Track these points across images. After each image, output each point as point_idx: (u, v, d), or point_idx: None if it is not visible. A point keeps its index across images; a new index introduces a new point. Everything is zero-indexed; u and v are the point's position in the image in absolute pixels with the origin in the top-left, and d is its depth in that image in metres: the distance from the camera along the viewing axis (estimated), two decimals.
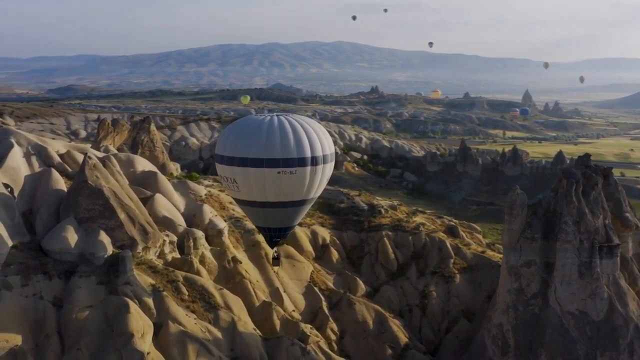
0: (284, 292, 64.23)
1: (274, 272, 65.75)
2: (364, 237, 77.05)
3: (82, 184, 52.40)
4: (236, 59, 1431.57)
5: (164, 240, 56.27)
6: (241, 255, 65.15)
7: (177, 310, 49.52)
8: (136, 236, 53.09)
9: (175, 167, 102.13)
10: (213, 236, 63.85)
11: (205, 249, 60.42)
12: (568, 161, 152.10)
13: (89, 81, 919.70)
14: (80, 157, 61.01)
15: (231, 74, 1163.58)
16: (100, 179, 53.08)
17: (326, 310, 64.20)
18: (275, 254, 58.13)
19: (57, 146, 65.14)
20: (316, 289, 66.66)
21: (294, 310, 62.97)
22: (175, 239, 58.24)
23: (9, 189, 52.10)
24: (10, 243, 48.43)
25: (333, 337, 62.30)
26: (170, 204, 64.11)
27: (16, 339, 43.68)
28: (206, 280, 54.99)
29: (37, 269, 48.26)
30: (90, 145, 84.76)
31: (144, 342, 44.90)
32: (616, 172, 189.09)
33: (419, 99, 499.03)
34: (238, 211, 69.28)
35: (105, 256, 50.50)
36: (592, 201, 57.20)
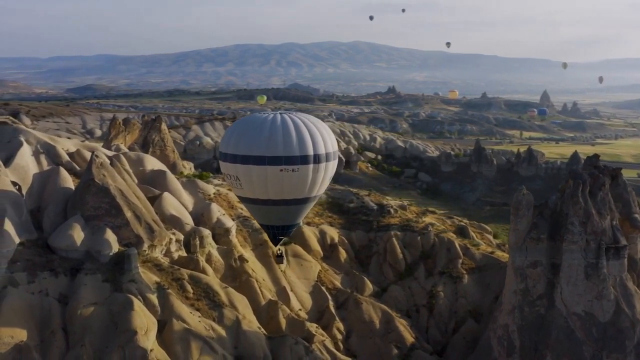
0: (291, 291, 64.43)
1: (281, 271, 65.99)
2: (372, 237, 77.06)
3: (89, 182, 52.93)
4: (254, 59, 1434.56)
5: (170, 239, 56.68)
6: (248, 254, 65.44)
7: (182, 308, 49.87)
8: (142, 234, 53.53)
9: (188, 167, 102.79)
10: (220, 235, 64.21)
11: (212, 247, 60.75)
12: (583, 162, 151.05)
13: (108, 81, 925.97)
14: (89, 156, 61.55)
15: (249, 74, 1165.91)
16: (107, 177, 53.57)
17: (333, 310, 64.33)
18: (278, 252, 58.32)
19: (67, 145, 65.83)
20: (323, 288, 66.80)
21: (300, 309, 63.16)
22: (181, 237, 58.64)
23: (17, 187, 52.70)
24: (17, 240, 49.04)
25: (339, 336, 62.43)
26: (178, 202, 64.53)
27: (21, 335, 44.25)
28: (211, 278, 55.30)
29: (44, 266, 48.89)
30: (102, 144, 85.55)
31: (148, 339, 45.29)
32: (632, 173, 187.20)
33: (436, 99, 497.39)
34: (246, 210, 69.52)
35: (111, 254, 51.00)
36: (599, 202, 56.82)
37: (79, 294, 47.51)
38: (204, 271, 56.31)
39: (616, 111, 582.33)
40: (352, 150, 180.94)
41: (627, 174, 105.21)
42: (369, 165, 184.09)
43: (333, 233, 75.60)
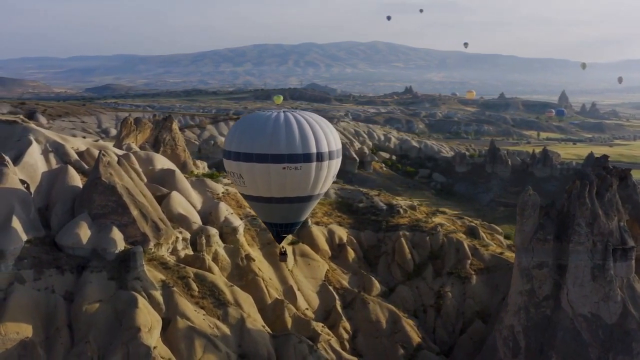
0: (298, 290, 64.60)
1: (289, 270, 66.19)
2: (381, 237, 77.05)
3: (96, 180, 53.45)
4: (272, 59, 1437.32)
5: (177, 237, 57.07)
6: (256, 253, 65.69)
7: (186, 306, 50.23)
8: (148, 232, 53.96)
9: (202, 166, 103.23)
10: (228, 234, 64.51)
11: (218, 246, 61.07)
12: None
13: (126, 80, 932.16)
14: (108, 155, 62.06)
15: (267, 74, 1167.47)
16: (114, 176, 54.05)
17: (340, 309, 64.41)
18: (282, 250, 58.53)
19: (77, 144, 66.45)
20: (330, 287, 66.89)
21: (307, 309, 63.31)
22: (188, 235, 59.01)
23: (26, 185, 53.36)
24: (25, 238, 49.64)
25: (346, 335, 62.47)
26: (186, 201, 64.92)
27: (27, 331, 44.84)
28: (217, 277, 55.62)
29: (50, 263, 49.47)
30: (113, 143, 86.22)
31: (151, 336, 45.69)
32: None
33: (453, 100, 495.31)
34: None
35: (117, 252, 51.43)
36: (607, 203, 56.47)
37: (85, 291, 48.03)
38: (210, 270, 56.63)
39: (636, 112, 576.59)
40: (366, 151, 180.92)
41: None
42: (383, 165, 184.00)
43: (342, 233, 75.68)
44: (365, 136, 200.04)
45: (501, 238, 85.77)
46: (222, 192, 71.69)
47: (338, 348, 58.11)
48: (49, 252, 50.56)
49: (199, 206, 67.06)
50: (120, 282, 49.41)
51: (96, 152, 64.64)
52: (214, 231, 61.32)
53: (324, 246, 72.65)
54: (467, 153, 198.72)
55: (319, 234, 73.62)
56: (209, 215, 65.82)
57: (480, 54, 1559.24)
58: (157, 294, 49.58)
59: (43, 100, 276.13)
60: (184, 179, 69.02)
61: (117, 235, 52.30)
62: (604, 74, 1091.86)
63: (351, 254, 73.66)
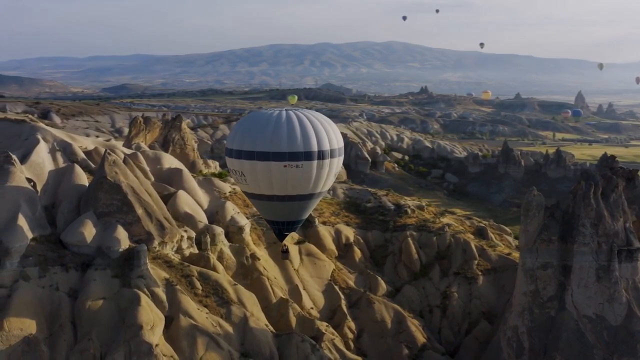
0: (303, 289, 64.77)
1: (294, 269, 66.40)
2: (388, 237, 77.06)
3: (102, 179, 53.91)
4: (288, 59, 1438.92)
5: (182, 236, 57.40)
6: (262, 252, 65.93)
7: (189, 304, 50.52)
8: (153, 231, 54.33)
9: (214, 165, 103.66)
10: (234, 233, 64.78)
11: (224, 245, 61.35)
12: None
13: (143, 80, 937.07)
14: (113, 154, 62.57)
15: (282, 74, 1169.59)
16: (119, 174, 54.48)
17: (345, 309, 64.51)
18: (284, 247, 58.78)
19: (85, 143, 67.02)
20: (336, 287, 66.99)
21: (312, 308, 63.46)
22: (193, 234, 59.31)
23: (32, 184, 53.89)
24: (30, 235, 50.16)
25: (350, 335, 62.56)
26: (192, 200, 65.26)
27: (31, 328, 45.31)
28: (221, 275, 55.89)
29: (55, 261, 49.95)
30: (123, 142, 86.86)
31: (153, 334, 45.99)
32: None
33: (468, 100, 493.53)
34: None
35: (121, 250, 51.82)
36: (612, 204, 56.13)
37: (88, 288, 48.46)
38: (214, 268, 56.90)
39: None
40: (379, 151, 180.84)
41: None
42: (396, 165, 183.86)
43: (348, 232, 75.77)
44: (378, 136, 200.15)
45: (510, 239, 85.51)
46: (229, 192, 71.97)
47: (342, 347, 58.18)
48: (54, 249, 51.06)
49: (205, 205, 67.38)
50: (124, 280, 49.78)
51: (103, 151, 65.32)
52: (219, 230, 61.62)
53: (331, 246, 72.78)
54: (480, 153, 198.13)
55: (326, 233, 73.76)
56: (215, 214, 66.15)
57: (497, 54, 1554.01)
58: (161, 292, 49.91)
59: (60, 100, 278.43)
60: (191, 178, 69.38)
61: (121, 233, 52.71)
62: (621, 74, 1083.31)
63: (358, 253, 73.71)
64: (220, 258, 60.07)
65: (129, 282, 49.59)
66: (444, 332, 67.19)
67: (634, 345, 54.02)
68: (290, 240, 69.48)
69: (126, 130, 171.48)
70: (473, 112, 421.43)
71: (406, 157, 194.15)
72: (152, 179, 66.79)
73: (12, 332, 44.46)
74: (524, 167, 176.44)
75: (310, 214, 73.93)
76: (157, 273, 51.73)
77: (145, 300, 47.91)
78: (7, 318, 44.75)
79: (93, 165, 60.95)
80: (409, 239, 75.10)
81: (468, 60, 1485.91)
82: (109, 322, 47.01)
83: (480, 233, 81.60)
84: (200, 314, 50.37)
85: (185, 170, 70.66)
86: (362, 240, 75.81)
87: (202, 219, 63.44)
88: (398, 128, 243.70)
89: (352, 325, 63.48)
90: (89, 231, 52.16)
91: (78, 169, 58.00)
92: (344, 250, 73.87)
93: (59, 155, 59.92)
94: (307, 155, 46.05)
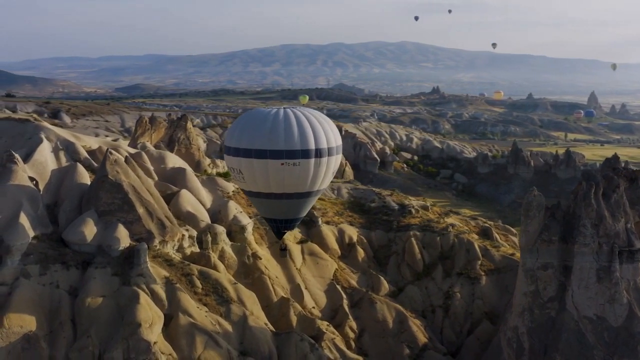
0: (305, 289, 64.93)
1: (297, 269, 66.58)
2: (392, 237, 77.08)
3: (103, 178, 54.33)
4: (300, 59, 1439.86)
5: (183, 235, 57.69)
6: (264, 251, 66.14)
7: (189, 302, 50.81)
8: (153, 230, 54.68)
9: (222, 165, 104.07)
10: (237, 232, 65.04)
11: (225, 244, 61.60)
12: (623, 164, 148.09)
13: (156, 80, 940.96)
14: (115, 153, 63.00)
15: (295, 74, 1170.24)
16: (121, 174, 54.87)
17: (346, 308, 64.61)
18: (282, 245, 58.95)
19: (89, 142, 67.48)
20: (338, 287, 67.11)
21: (314, 307, 63.63)
22: (195, 233, 59.61)
23: (35, 182, 54.39)
24: (32, 234, 50.64)
25: (352, 335, 62.65)
26: (195, 199, 65.57)
27: (31, 325, 45.75)
28: (221, 274, 56.15)
29: (56, 259, 50.43)
30: (128, 142, 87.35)
31: (152, 332, 46.32)
32: None
33: (480, 100, 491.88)
34: None
35: (122, 248, 52.19)
36: (613, 204, 55.90)
37: (88, 286, 48.87)
38: (215, 267, 57.17)
39: None
40: (388, 151, 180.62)
41: None
42: (405, 165, 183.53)
43: (352, 232, 75.85)
44: (387, 136, 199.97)
45: (515, 239, 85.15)
46: (232, 191, 72.23)
47: (343, 347, 58.32)
48: (56, 248, 51.52)
49: (208, 204, 67.68)
50: (124, 278, 50.16)
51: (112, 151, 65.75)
52: (220, 229, 61.89)
53: (334, 245, 72.89)
54: (489, 154, 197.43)
55: (329, 233, 73.89)
56: (218, 213, 66.42)
57: (510, 54, 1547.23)
58: (160, 290, 50.23)
59: (73, 100, 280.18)
60: (194, 178, 69.72)
61: (122, 232, 53.10)
62: (635, 75, 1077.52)
63: (361, 253, 73.78)
64: (222, 257, 60.33)
65: (129, 280, 49.95)
66: (446, 332, 67.14)
67: (634, 347, 53.79)
68: (293, 239, 69.75)
69: None
70: (485, 113, 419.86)
71: (415, 157, 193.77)
72: (156, 178, 67.20)
73: (12, 329, 44.91)
74: (534, 168, 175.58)
75: (314, 214, 74.39)
76: (157, 271, 52.06)
77: (144, 298, 48.24)
78: (7, 315, 45.24)
79: (96, 165, 61.33)
80: (413, 239, 75.09)
81: (481, 61, 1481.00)
82: (108, 319, 47.39)
83: (485, 233, 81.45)
84: (199, 313, 50.66)
85: (189, 170, 70.98)
86: (365, 240, 75.89)
87: (205, 218, 63.71)
88: (407, 128, 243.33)
89: (354, 324, 63.56)
90: (90, 230, 52.57)
91: (81, 168, 58.46)
92: (347, 250, 73.95)
93: (62, 154, 60.40)
94: (304, 154, 46.19)
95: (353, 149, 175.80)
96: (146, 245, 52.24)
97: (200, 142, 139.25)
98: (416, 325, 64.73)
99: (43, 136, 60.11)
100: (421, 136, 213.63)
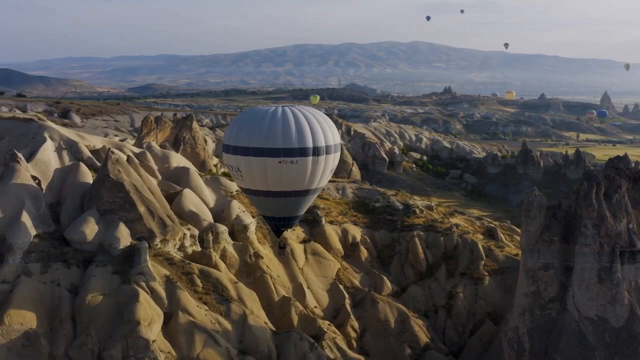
0: (307, 288, 65.05)
1: (299, 268, 66.74)
2: (395, 237, 77.08)
3: (105, 177, 54.71)
4: (312, 59, 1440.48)
5: (184, 234, 57.98)
6: (267, 250, 66.33)
7: (189, 301, 51.06)
8: (155, 229, 54.99)
9: None
10: (239, 231, 65.29)
11: (227, 243, 61.84)
12: (633, 164, 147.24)
13: (168, 80, 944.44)
14: (117, 153, 63.42)
15: (307, 74, 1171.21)
16: (122, 173, 55.23)
17: (349, 308, 64.68)
18: (281, 244, 59.14)
19: (94, 142, 67.92)
20: (341, 286, 67.20)
21: (316, 307, 63.73)
22: (196, 232, 59.89)
23: (37, 181, 54.84)
24: (34, 232, 51.08)
25: (353, 334, 62.71)
26: (198, 198, 65.87)
27: (31, 322, 46.13)
28: (222, 273, 56.38)
29: (57, 257, 50.82)
30: (134, 141, 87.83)
31: (151, 330, 46.58)
32: None
33: (492, 100, 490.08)
34: None
35: (122, 247, 52.52)
36: (615, 204, 55.67)
37: (89, 284, 49.21)
38: (216, 266, 57.42)
39: None
40: (397, 151, 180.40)
41: None
42: (414, 165, 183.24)
43: (355, 232, 75.93)
44: (397, 136, 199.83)
45: None
46: (236, 191, 72.38)
47: (344, 346, 58.45)
48: (57, 246, 51.90)
49: (212, 204, 67.98)
50: (124, 276, 50.46)
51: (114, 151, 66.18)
52: (222, 228, 62.14)
53: (337, 245, 73.00)
54: (499, 154, 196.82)
55: (332, 232, 74.01)
56: (221, 212, 66.68)
57: (524, 54, 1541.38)
58: (160, 289, 50.52)
59: (83, 100, 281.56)
60: (198, 177, 70.03)
61: (123, 230, 53.44)
62: None
63: (364, 253, 73.85)
64: (224, 256, 60.57)
65: (129, 278, 50.25)
66: (448, 333, 67.02)
67: (635, 348, 53.57)
68: (296, 239, 69.95)
69: None
70: (496, 113, 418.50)
71: (424, 158, 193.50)
72: (159, 177, 67.59)
73: (13, 326, 45.29)
74: (543, 168, 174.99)
75: (318, 213, 74.56)
76: (158, 270, 52.36)
77: (143, 296, 48.53)
78: (8, 313, 45.60)
79: (99, 164, 61.77)
80: (416, 238, 75.07)
81: (494, 61, 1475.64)
82: (108, 317, 47.71)
83: (490, 234, 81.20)
84: (199, 311, 50.90)
85: (192, 169, 71.34)
86: (369, 240, 75.94)
87: (207, 217, 63.98)
88: (417, 128, 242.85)
89: (355, 324, 63.63)
90: (92, 228, 52.94)
91: (83, 167, 58.88)
92: (350, 250, 74.02)
93: (65, 153, 60.88)
94: (302, 152, 46.34)
95: (362, 149, 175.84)
96: (147, 244, 52.55)
97: (209, 141, 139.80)
98: (418, 325, 64.68)
99: (46, 135, 60.61)
100: (430, 136, 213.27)
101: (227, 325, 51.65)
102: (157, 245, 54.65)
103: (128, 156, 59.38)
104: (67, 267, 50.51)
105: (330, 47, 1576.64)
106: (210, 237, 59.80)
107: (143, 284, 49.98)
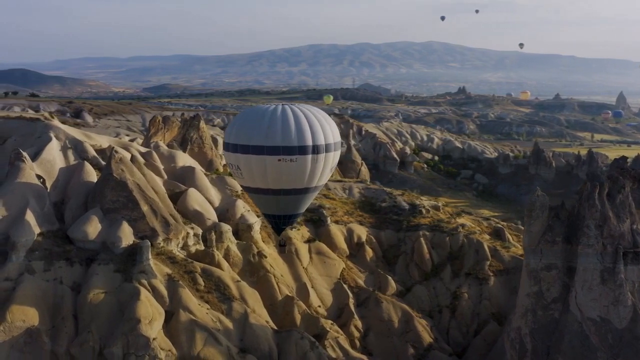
0: (311, 287, 65.18)
1: (303, 268, 66.91)
2: (401, 237, 77.03)
3: (108, 176, 55.21)
4: (327, 59, 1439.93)
5: (188, 233, 58.32)
6: (271, 250, 66.54)
7: (190, 299, 51.39)
8: (157, 227, 55.38)
9: None
10: (244, 231, 65.58)
11: (231, 242, 62.13)
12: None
13: (183, 80, 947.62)
14: (121, 152, 63.93)
15: (322, 74, 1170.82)
16: (125, 172, 55.68)
17: (352, 308, 64.73)
18: (281, 241, 59.31)
19: (100, 141, 68.42)
20: (345, 286, 67.25)
21: (319, 306, 63.86)
22: (200, 231, 60.22)
23: (42, 180, 55.39)
24: (37, 230, 51.63)
25: (357, 334, 62.77)
26: (202, 198, 66.19)
27: (33, 320, 46.74)
28: (224, 272, 56.65)
29: (60, 255, 51.39)
30: (142, 141, 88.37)
31: (151, 328, 46.96)
32: None
33: (507, 100, 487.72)
34: None
35: (125, 246, 52.95)
36: (618, 205, 55.36)
37: (91, 282, 49.71)
38: (219, 265, 57.70)
39: None
40: (408, 151, 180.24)
41: None
42: (425, 166, 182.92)
43: (361, 231, 75.98)
44: (408, 136, 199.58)
45: None
46: (241, 190, 72.64)
47: (347, 346, 58.51)
48: (61, 244, 52.44)
49: (217, 203, 68.28)
50: (126, 274, 50.91)
51: (118, 150, 66.64)
52: (226, 227, 62.44)
53: (342, 245, 73.10)
54: (511, 154, 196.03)
55: (338, 232, 74.09)
56: (226, 212, 66.98)
57: (539, 54, 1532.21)
58: (162, 287, 50.89)
59: (98, 99, 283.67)
60: (203, 177, 70.37)
61: (126, 229, 53.87)
62: None
63: (369, 253, 73.88)
64: (227, 255, 60.84)
65: (131, 277, 50.69)
66: (452, 333, 66.94)
67: (638, 349, 53.24)
68: (301, 238, 70.12)
69: None
70: (511, 113, 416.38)
71: (436, 158, 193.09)
72: (165, 176, 67.99)
73: (15, 323, 45.88)
74: (555, 168, 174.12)
75: (323, 213, 74.69)
76: (160, 269, 52.73)
77: (145, 294, 48.92)
78: (10, 310, 46.24)
79: (103, 163, 62.25)
80: (422, 238, 75.00)
81: (509, 61, 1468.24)
82: (109, 315, 48.18)
83: (497, 234, 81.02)
84: (200, 310, 51.20)
85: (198, 169, 71.70)
86: (374, 240, 75.95)
87: (212, 216, 64.30)
88: (429, 128, 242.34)
89: (359, 323, 63.69)
90: (95, 227, 53.43)
91: (88, 166, 59.39)
92: (355, 249, 74.08)
93: (70, 152, 61.43)
94: (301, 150, 46.52)
95: (373, 148, 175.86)
96: (149, 243, 52.94)
97: (219, 141, 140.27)
98: (422, 325, 64.66)
99: (52, 135, 61.17)
100: (442, 136, 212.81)
101: (228, 323, 51.93)
102: (159, 244, 55.04)
103: (132, 155, 59.78)
104: (70, 265, 51.04)
105: (345, 47, 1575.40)
106: (214, 236, 60.14)
107: (145, 282, 50.40)
